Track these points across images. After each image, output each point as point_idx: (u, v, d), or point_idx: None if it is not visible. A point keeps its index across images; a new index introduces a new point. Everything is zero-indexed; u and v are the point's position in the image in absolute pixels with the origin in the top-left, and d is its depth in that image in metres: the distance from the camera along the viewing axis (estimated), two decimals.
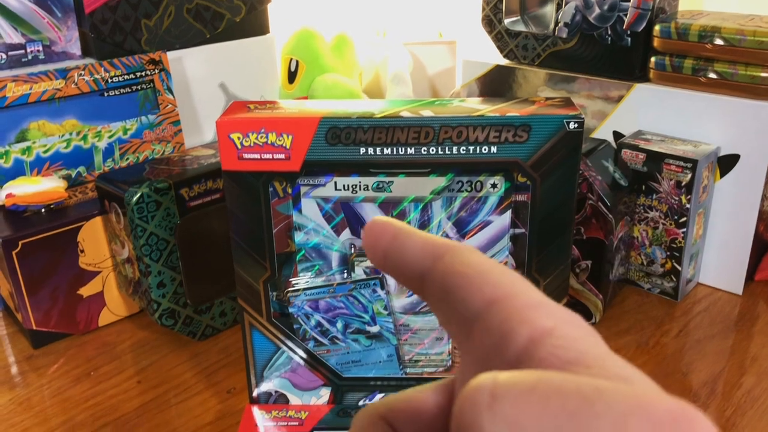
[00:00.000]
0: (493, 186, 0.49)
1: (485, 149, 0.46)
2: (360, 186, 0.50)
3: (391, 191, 0.50)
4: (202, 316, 0.69)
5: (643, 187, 0.73)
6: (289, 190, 0.50)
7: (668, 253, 0.73)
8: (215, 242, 0.67)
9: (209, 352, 0.69)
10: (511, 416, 0.13)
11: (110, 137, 0.77)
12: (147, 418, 0.60)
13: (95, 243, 0.69)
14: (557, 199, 0.48)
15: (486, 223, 0.51)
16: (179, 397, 0.63)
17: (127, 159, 0.78)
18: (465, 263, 0.18)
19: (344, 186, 0.50)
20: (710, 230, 0.76)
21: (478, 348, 0.17)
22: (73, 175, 0.75)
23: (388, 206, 0.50)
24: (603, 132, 0.81)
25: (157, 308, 0.66)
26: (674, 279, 0.74)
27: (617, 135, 0.79)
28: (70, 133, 0.74)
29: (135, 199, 0.62)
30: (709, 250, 0.77)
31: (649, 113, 0.77)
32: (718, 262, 0.76)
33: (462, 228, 0.51)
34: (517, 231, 0.51)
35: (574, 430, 0.13)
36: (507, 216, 0.50)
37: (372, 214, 0.51)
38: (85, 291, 0.70)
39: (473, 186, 0.49)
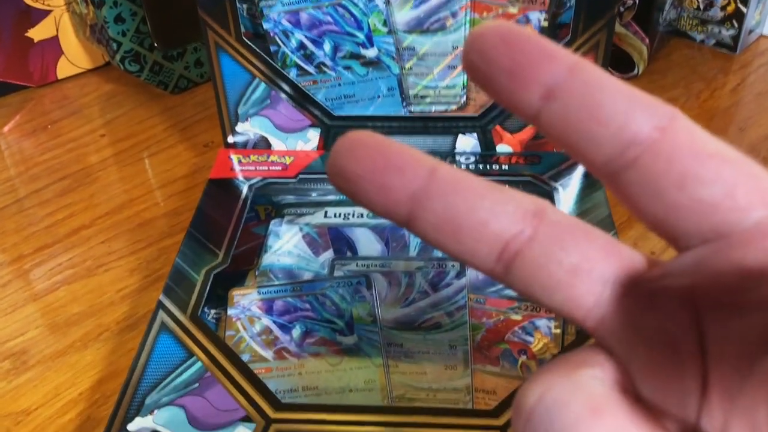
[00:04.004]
0: None
1: None
2: None
3: None
4: (173, 64, 0.59)
5: None
6: None
7: None
8: None
9: (184, 105, 0.59)
10: None
11: None
12: (112, 171, 0.52)
13: None
14: None
15: None
16: (149, 150, 0.54)
17: None
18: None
19: None
20: None
21: None
22: None
23: None
24: None
25: (117, 49, 0.56)
26: (735, 26, 0.62)
27: None
28: None
29: None
30: None
31: None
32: None
33: None
34: None
35: None
36: None
37: None
38: (36, 34, 0.59)
39: None
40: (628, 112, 0.12)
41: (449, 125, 0.45)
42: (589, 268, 0.13)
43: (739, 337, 0.12)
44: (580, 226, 0.14)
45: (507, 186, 0.14)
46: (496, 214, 0.13)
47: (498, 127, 0.45)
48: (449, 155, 0.45)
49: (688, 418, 0.13)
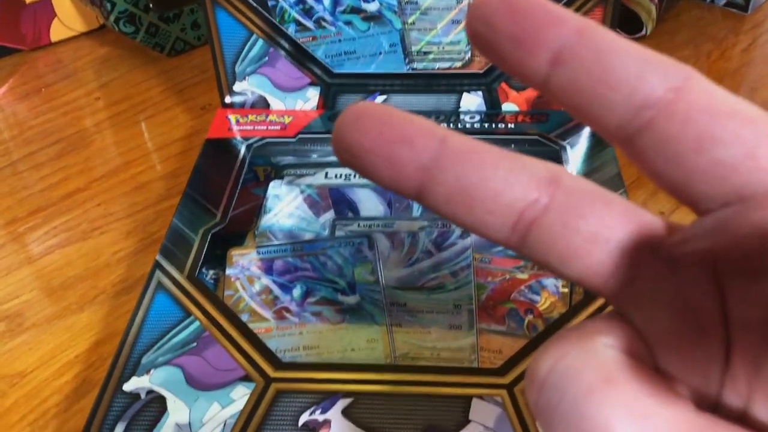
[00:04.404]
0: None
1: None
2: None
3: None
4: (170, 26, 0.57)
5: None
6: None
7: None
8: None
9: (181, 68, 0.58)
10: None
11: None
12: (107, 135, 0.51)
13: None
14: None
15: None
16: (145, 113, 0.53)
17: None
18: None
19: None
20: None
21: None
22: None
23: None
24: None
25: (112, 9, 0.54)
26: None
27: None
28: None
29: None
30: None
31: None
32: None
33: None
34: None
35: None
36: None
37: None
38: None
39: None
40: (639, 75, 0.12)
41: (453, 83, 0.44)
42: (607, 235, 0.13)
43: (763, 302, 0.11)
44: (597, 192, 0.13)
45: (521, 153, 0.13)
46: (509, 184, 0.13)
47: (504, 85, 0.44)
48: (453, 114, 0.44)
49: (710, 390, 0.12)
